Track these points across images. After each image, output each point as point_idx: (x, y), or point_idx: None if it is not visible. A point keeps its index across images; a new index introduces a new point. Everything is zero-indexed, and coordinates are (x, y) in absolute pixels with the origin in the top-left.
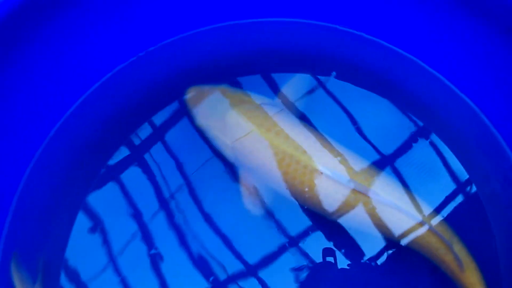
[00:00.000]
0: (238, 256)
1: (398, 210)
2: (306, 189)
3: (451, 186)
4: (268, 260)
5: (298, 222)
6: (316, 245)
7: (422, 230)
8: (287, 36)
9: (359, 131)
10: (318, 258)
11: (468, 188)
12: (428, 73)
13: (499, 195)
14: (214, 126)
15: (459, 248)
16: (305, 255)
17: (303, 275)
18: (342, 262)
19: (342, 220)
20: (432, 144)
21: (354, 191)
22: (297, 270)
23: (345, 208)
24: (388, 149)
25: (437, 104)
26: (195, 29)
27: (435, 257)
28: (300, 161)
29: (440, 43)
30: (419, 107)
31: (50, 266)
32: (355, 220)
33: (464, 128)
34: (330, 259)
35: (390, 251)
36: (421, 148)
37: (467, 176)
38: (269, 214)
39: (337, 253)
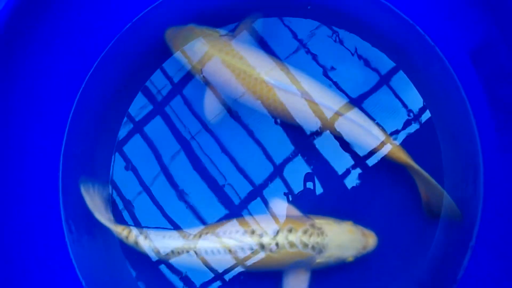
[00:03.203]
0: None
1: (328, 108)
2: (258, 97)
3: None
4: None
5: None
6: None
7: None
8: None
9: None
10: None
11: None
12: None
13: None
14: (186, 55)
15: (375, 128)
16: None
17: None
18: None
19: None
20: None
21: (291, 93)
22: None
23: (281, 107)
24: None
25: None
26: None
27: (360, 141)
28: (251, 75)
29: None
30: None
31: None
32: (295, 115)
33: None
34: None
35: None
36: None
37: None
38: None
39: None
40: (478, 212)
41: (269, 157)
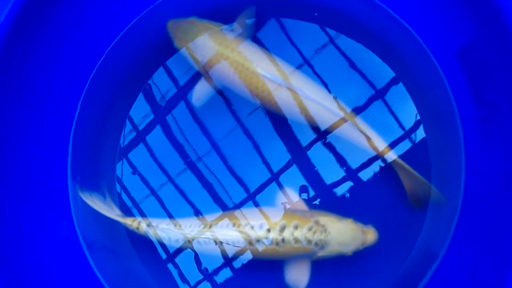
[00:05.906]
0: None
1: (318, 104)
2: (253, 88)
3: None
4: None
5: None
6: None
7: (335, 118)
8: None
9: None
10: None
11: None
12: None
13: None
14: (187, 47)
15: (362, 125)
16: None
17: None
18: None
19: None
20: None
21: (284, 87)
22: None
23: (275, 100)
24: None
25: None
26: None
27: (350, 139)
28: (249, 68)
29: None
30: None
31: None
32: (286, 110)
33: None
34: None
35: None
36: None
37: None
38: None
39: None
40: (460, 199)
41: (273, 153)
